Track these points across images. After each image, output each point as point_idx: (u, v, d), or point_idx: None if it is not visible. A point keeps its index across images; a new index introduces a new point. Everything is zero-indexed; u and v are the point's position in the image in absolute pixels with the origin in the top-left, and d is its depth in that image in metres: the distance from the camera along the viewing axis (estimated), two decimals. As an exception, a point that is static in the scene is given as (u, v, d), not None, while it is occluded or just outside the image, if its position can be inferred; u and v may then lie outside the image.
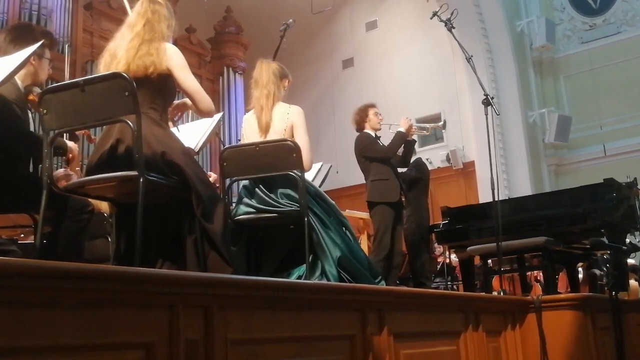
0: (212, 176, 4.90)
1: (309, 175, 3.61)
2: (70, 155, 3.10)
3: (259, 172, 3.24)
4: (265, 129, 3.44)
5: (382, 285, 3.38)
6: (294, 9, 9.69)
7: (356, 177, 5.72)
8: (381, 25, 12.39)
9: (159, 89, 2.70)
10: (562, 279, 6.73)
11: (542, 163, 10.57)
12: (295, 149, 3.14)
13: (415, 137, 5.78)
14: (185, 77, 2.74)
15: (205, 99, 2.80)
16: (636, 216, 4.78)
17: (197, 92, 2.77)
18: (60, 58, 8.84)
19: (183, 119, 3.18)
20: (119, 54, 2.70)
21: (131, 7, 2.93)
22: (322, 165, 4.42)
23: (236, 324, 1.82)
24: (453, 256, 6.95)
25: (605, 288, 4.28)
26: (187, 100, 2.89)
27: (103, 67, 2.72)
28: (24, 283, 1.31)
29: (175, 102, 2.96)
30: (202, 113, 2.87)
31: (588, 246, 4.83)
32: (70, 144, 3.09)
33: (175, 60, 2.71)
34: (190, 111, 3.06)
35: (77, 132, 3.22)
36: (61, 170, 4.82)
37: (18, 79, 2.87)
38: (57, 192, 2.58)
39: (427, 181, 6.39)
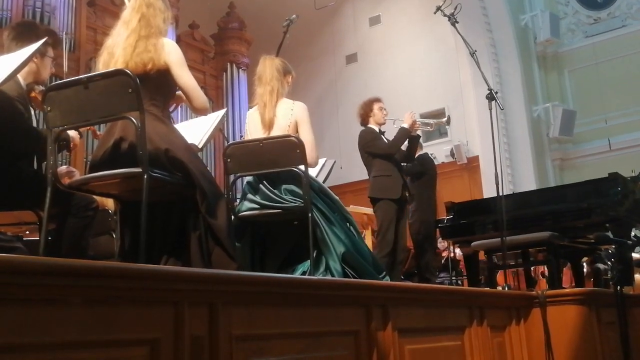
0: None
1: (312, 171, 3.61)
2: (73, 143, 3.10)
3: (263, 168, 3.24)
4: (268, 125, 3.44)
5: (387, 281, 3.38)
6: (297, 5, 9.67)
7: (360, 172, 5.71)
8: (384, 20, 12.36)
9: (158, 85, 2.69)
10: (566, 274, 6.72)
11: (546, 158, 10.54)
12: (299, 145, 3.14)
13: (419, 132, 5.76)
14: (182, 73, 2.72)
15: (200, 97, 2.79)
16: (641, 210, 4.76)
17: (193, 89, 2.76)
18: (72, 57, 8.85)
19: (179, 112, 3.18)
20: (116, 52, 2.69)
21: (120, 9, 2.91)
22: (325, 161, 4.41)
23: (241, 320, 1.83)
24: (457, 251, 6.94)
25: (610, 282, 4.26)
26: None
27: (102, 66, 2.71)
28: (29, 280, 1.32)
29: None
30: (196, 110, 2.86)
31: (593, 241, 4.81)
32: (72, 132, 3.07)
33: (173, 56, 2.70)
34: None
35: (81, 129, 3.22)
36: (63, 167, 4.84)
37: (20, 76, 2.88)
38: (62, 189, 2.58)
39: (432, 176, 6.37)
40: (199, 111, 2.87)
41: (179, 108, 3.28)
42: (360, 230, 4.19)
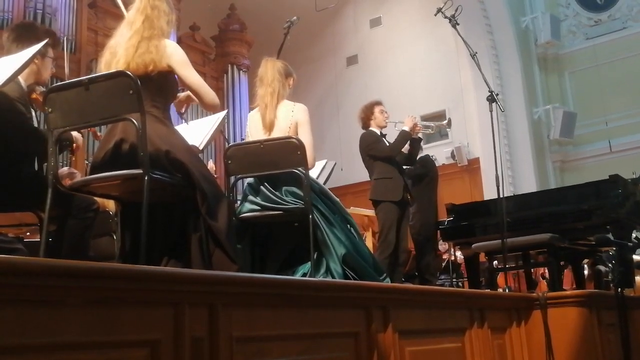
0: (210, 164, 4.84)
1: (313, 173, 3.62)
2: (75, 145, 3.11)
3: (264, 170, 3.25)
4: (269, 126, 3.44)
5: (387, 283, 3.38)
6: (298, 7, 9.68)
7: (361, 174, 5.72)
8: (385, 22, 12.37)
9: (159, 87, 2.69)
10: (567, 276, 6.72)
11: (547, 159, 10.54)
12: (300, 146, 3.15)
13: (420, 134, 5.77)
14: (188, 73, 2.74)
15: (209, 94, 2.81)
16: (642, 212, 4.75)
17: (200, 87, 2.78)
18: (73, 59, 8.86)
19: (189, 113, 3.19)
20: (118, 52, 2.69)
21: (126, 8, 2.91)
22: (326, 163, 4.42)
23: (241, 321, 1.82)
24: (458, 253, 6.94)
25: (611, 285, 4.26)
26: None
27: (104, 66, 2.72)
28: (29, 281, 1.32)
29: (181, 94, 2.96)
30: (207, 107, 2.89)
31: (593, 243, 4.81)
32: (75, 134, 3.08)
33: (176, 57, 2.71)
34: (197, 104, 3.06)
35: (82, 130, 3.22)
36: (65, 169, 4.84)
37: (21, 77, 2.88)
38: (63, 191, 2.58)
39: (433, 178, 6.36)
40: (210, 107, 2.89)
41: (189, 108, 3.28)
42: (361, 232, 4.20)
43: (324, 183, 4.00)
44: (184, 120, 3.12)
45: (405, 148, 5.47)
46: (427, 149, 9.87)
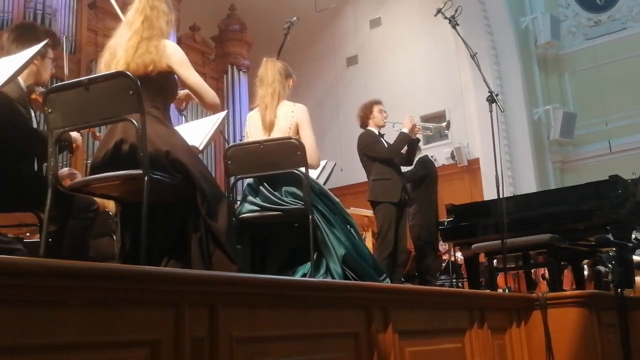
0: None
1: (313, 173, 3.61)
2: (75, 145, 3.11)
3: (263, 170, 3.24)
4: (269, 127, 3.44)
5: (387, 283, 3.38)
6: (298, 7, 9.68)
7: (361, 174, 5.71)
8: (385, 22, 12.37)
9: (159, 87, 2.69)
10: (567, 276, 6.71)
11: (547, 160, 10.54)
12: (300, 147, 3.15)
13: (419, 135, 5.76)
14: (188, 73, 2.74)
15: (209, 93, 2.82)
16: (642, 213, 4.75)
17: (200, 87, 2.79)
18: (73, 59, 8.85)
19: (188, 112, 3.20)
20: (118, 52, 2.69)
21: (126, 8, 2.91)
22: (326, 163, 4.42)
23: (241, 322, 1.83)
24: (458, 254, 6.94)
25: (611, 285, 4.26)
26: None
27: (104, 66, 2.72)
28: (29, 282, 1.32)
29: (181, 91, 2.97)
30: (207, 107, 2.90)
31: (593, 243, 4.81)
32: (74, 134, 3.09)
33: (175, 58, 2.71)
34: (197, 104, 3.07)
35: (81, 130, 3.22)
36: (65, 169, 4.84)
37: (21, 78, 2.88)
38: (63, 191, 2.58)
39: (433, 178, 6.36)
40: (210, 107, 2.90)
41: (189, 107, 3.31)
42: (361, 232, 4.19)
43: (324, 183, 4.00)
44: (183, 117, 3.12)
45: (403, 148, 5.46)
46: (427, 150, 9.87)
